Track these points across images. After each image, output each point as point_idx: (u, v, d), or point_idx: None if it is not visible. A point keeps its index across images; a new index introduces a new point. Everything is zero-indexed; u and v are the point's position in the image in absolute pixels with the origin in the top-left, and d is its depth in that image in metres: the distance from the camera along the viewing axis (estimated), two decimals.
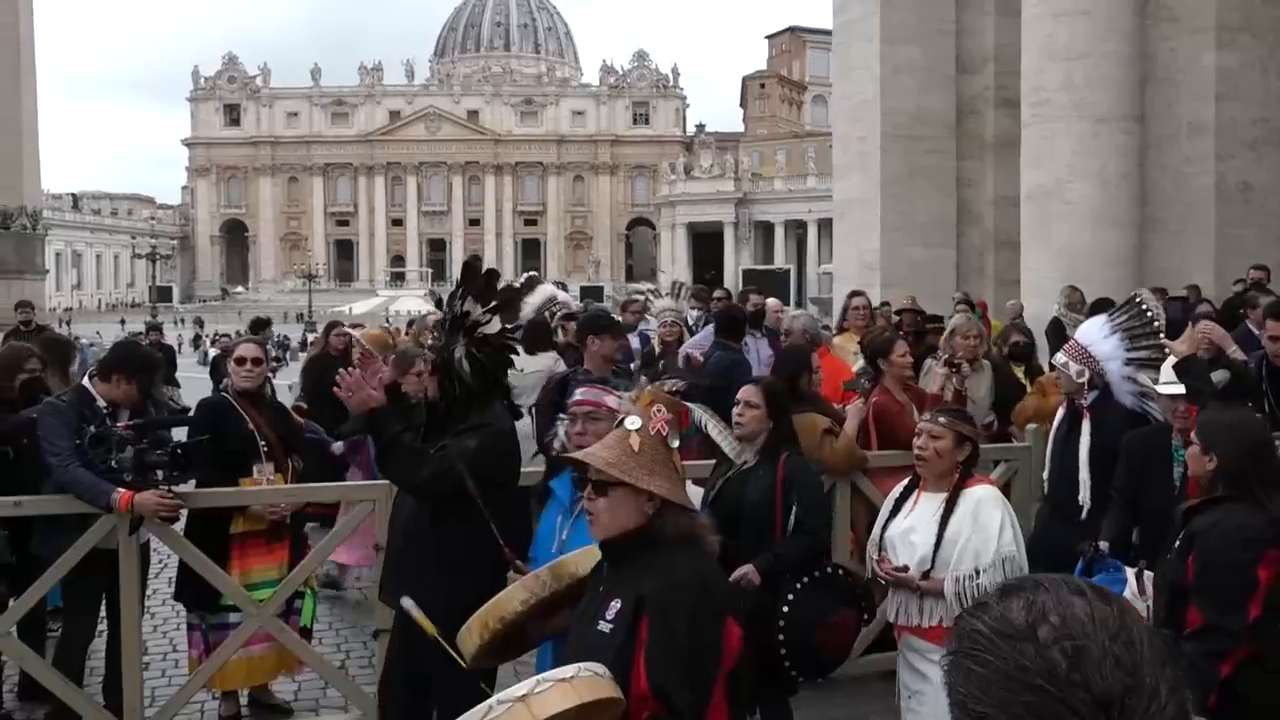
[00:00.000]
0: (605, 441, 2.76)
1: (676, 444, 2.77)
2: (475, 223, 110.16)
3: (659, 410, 2.81)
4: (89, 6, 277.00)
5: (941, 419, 4.05)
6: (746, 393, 4.46)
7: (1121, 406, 4.88)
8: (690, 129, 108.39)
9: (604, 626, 2.56)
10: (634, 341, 9.51)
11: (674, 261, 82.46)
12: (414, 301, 61.89)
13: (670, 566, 2.59)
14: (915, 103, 14.14)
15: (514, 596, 2.98)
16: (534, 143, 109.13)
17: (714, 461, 4.65)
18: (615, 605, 2.56)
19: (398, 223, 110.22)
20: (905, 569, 3.92)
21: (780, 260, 73.56)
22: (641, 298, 10.11)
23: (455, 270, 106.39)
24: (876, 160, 14.29)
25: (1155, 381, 4.82)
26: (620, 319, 10.38)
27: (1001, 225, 13.65)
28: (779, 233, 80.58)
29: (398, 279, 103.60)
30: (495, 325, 3.91)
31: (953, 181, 14.24)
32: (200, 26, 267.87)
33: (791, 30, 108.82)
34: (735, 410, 4.42)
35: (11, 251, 38.08)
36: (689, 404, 2.89)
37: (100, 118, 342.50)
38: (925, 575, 3.88)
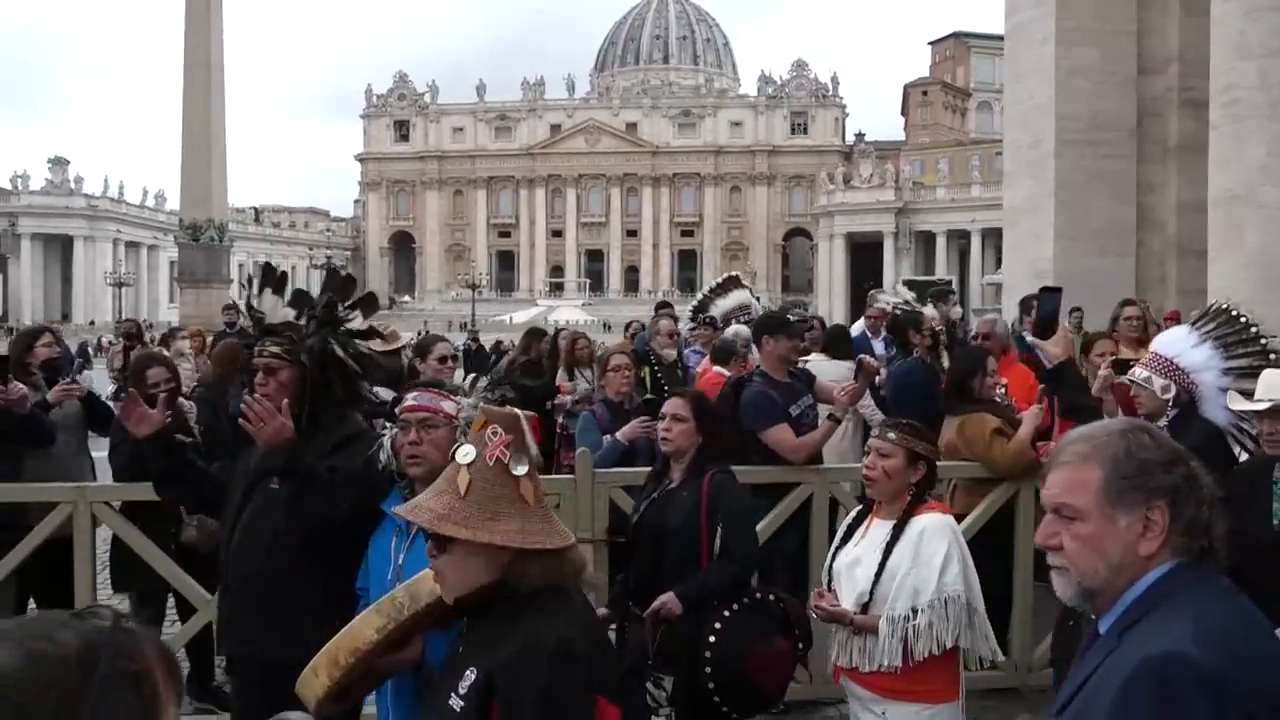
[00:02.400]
0: (435, 486, 2.29)
1: (523, 469, 2.26)
2: (632, 234, 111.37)
3: (495, 433, 2.27)
4: (276, 30, 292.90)
5: (891, 434, 3.65)
6: (673, 405, 4.11)
7: (1199, 430, 4.20)
8: (849, 138, 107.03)
9: (455, 703, 2.16)
10: (879, 348, 9.28)
11: (831, 272, 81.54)
12: (572, 311, 62.99)
13: (527, 632, 2.15)
14: (1091, 106, 13.60)
15: (368, 624, 2.60)
16: (691, 154, 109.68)
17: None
18: (470, 676, 2.16)
19: (557, 234, 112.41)
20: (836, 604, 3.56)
21: (941, 271, 71.75)
22: (888, 305, 9.42)
23: (613, 281, 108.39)
24: (1050, 166, 13.81)
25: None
26: (866, 323, 10.02)
27: (1185, 232, 13.00)
28: (940, 243, 78.71)
29: (556, 289, 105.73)
30: (359, 321, 3.82)
31: (1132, 187, 13.64)
32: (375, 48, 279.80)
33: (956, 36, 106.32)
34: (661, 425, 4.11)
35: (201, 262, 40.50)
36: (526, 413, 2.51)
37: (281, 135, 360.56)
38: (864, 611, 3.51)
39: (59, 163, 79.83)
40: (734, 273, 11.67)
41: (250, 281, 3.91)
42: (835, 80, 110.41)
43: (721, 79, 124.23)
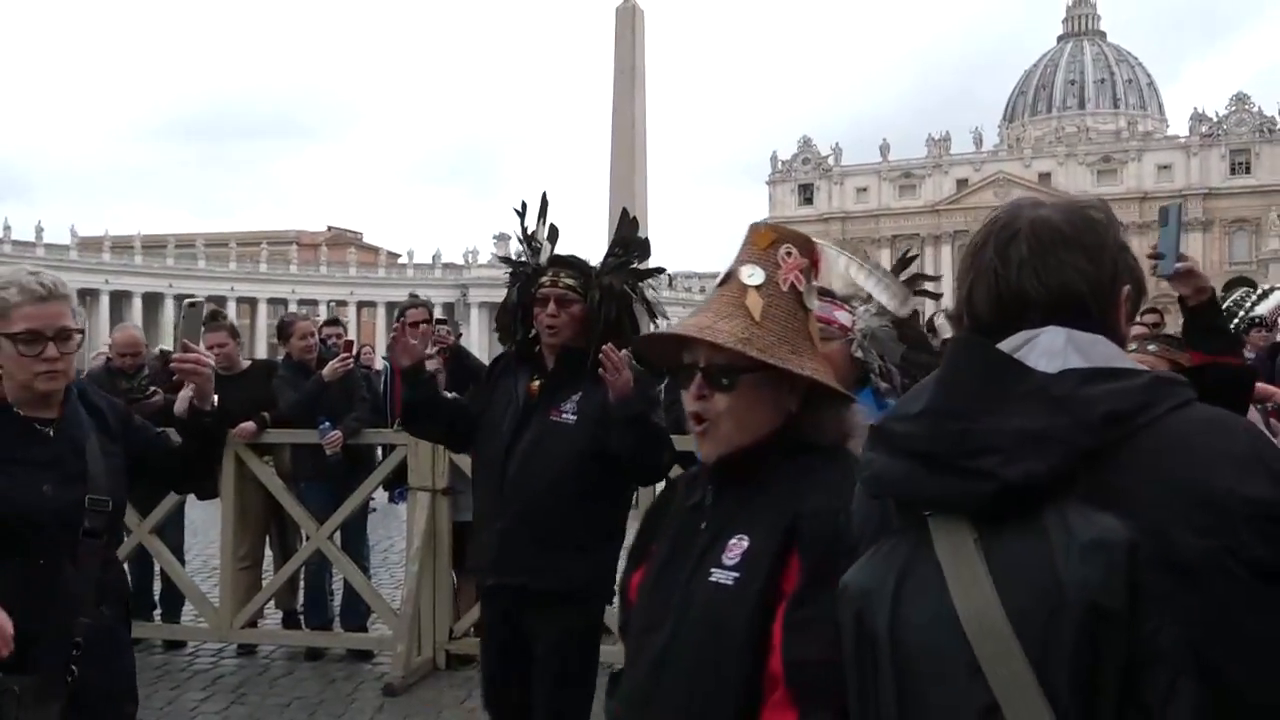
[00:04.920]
0: (716, 308, 1.84)
1: (815, 305, 1.91)
2: None
3: (789, 253, 1.86)
4: (691, 108, 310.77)
5: (1152, 347, 3.55)
6: None
7: None
8: None
9: (722, 576, 1.75)
10: None
11: None
12: None
13: (833, 481, 1.72)
14: None
15: None
16: (1113, 202, 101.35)
17: None
18: (740, 544, 1.76)
19: None
20: None
21: None
22: None
23: None
24: None
25: None
26: None
27: None
28: None
29: None
30: (643, 264, 3.86)
31: None
32: (780, 118, 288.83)
33: None
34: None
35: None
36: (821, 243, 2.11)
37: (692, 204, 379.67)
38: None
39: (502, 238, 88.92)
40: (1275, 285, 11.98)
41: (525, 208, 3.89)
42: None
43: (1146, 121, 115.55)
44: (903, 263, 3.15)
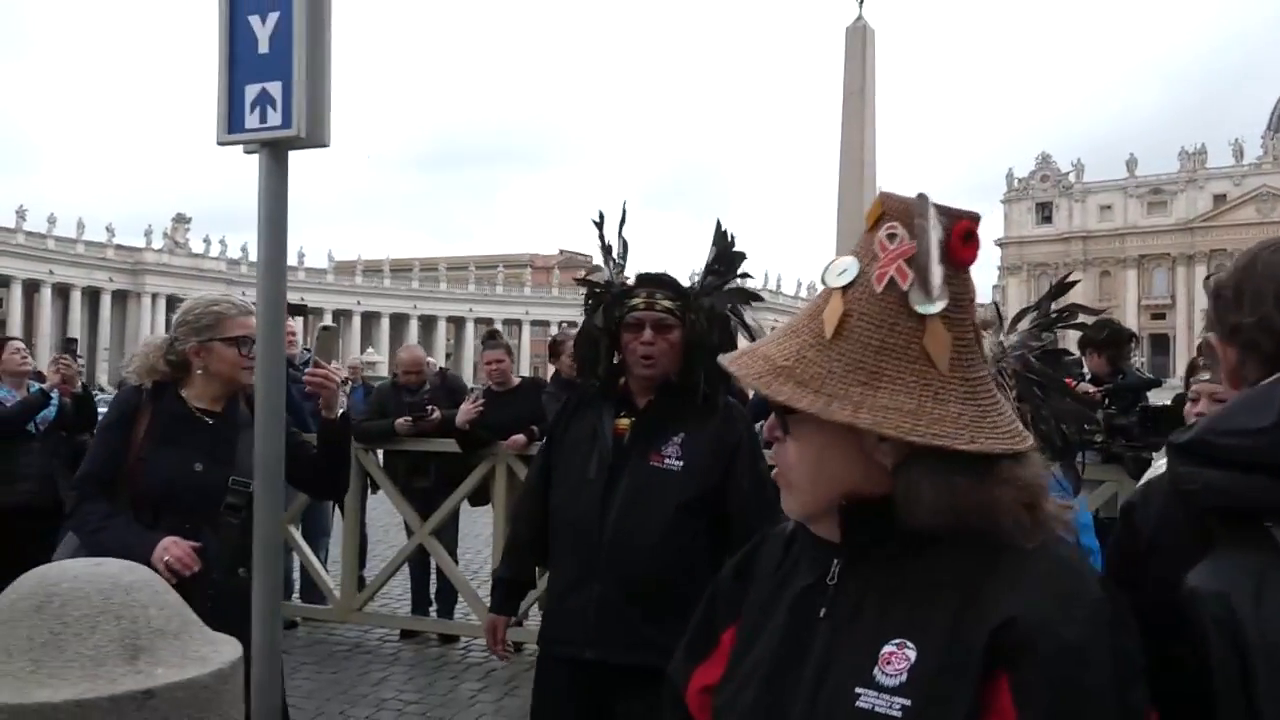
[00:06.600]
0: (792, 323, 1.31)
1: (936, 306, 1.22)
2: None
3: (893, 235, 1.26)
4: (922, 128, 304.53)
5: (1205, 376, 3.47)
6: None
7: None
8: None
9: (879, 701, 1.17)
10: None
11: None
12: None
13: (1049, 569, 1.19)
14: None
15: None
16: None
17: None
18: (902, 655, 1.18)
19: None
20: None
21: None
22: None
23: None
24: None
25: None
26: None
27: None
28: None
29: None
30: (732, 281, 3.35)
31: None
32: (1016, 135, 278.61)
33: None
34: None
35: None
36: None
37: None
38: None
39: None
40: None
41: (603, 219, 3.40)
42: None
43: None
44: (1060, 288, 2.67)
